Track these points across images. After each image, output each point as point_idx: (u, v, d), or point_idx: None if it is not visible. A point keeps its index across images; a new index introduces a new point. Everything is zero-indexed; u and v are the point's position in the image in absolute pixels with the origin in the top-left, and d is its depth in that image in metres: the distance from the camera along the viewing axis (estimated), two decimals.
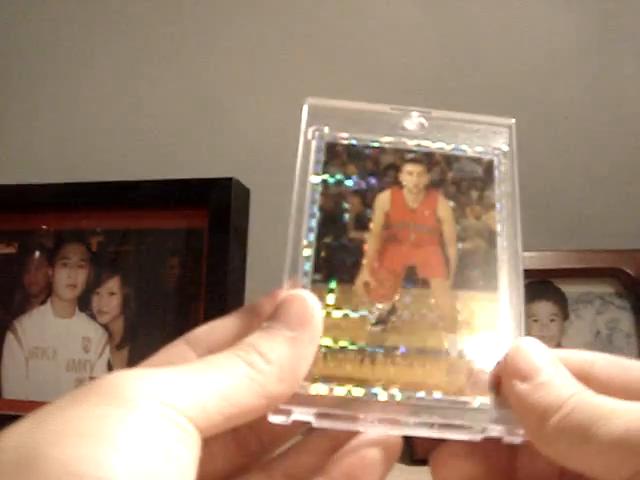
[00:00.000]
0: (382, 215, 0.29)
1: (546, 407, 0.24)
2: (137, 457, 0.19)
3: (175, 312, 0.62)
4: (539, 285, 0.64)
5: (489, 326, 0.28)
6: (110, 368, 0.63)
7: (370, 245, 0.29)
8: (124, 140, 0.82)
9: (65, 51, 0.84)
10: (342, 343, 0.27)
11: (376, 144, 0.31)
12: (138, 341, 0.63)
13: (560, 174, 0.75)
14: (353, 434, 0.26)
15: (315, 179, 0.30)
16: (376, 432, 0.26)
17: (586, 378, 0.25)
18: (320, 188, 0.30)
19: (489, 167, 0.31)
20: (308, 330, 0.25)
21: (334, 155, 0.31)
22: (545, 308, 0.64)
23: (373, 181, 0.30)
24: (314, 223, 0.29)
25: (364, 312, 0.28)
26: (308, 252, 0.29)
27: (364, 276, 0.28)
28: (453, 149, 0.31)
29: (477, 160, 0.31)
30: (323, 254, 0.29)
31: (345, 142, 0.31)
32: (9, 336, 0.66)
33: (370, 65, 0.81)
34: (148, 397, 0.20)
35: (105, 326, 0.64)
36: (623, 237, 0.71)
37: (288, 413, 0.25)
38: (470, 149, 0.31)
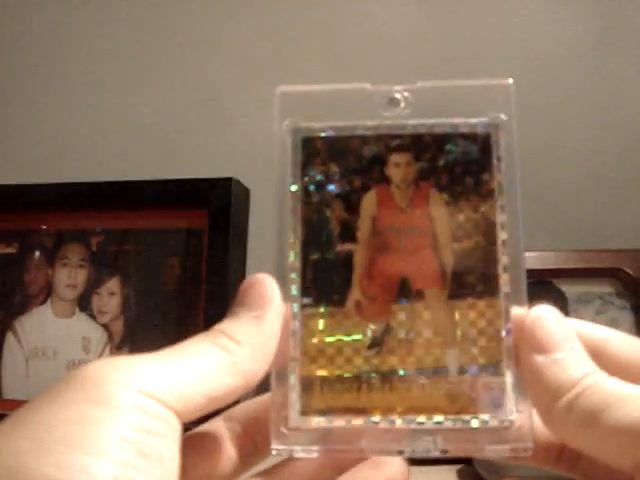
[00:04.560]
0: (369, 220, 0.26)
1: (559, 385, 0.23)
2: (118, 461, 0.19)
3: (175, 312, 0.62)
4: (539, 285, 0.64)
5: (490, 336, 0.25)
6: None
7: (358, 258, 0.26)
8: (124, 140, 0.82)
9: (65, 51, 0.84)
10: (338, 372, 0.26)
11: (357, 132, 0.27)
12: (138, 341, 0.63)
13: (560, 174, 0.75)
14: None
15: (294, 187, 0.27)
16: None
17: (599, 355, 0.25)
18: (300, 196, 0.27)
19: (486, 144, 0.27)
20: (269, 307, 0.25)
21: (312, 153, 0.27)
22: None
23: (357, 180, 0.27)
24: (297, 238, 0.27)
25: (357, 335, 0.26)
26: (293, 274, 0.26)
27: (355, 294, 0.26)
28: (443, 126, 0.27)
29: (472, 137, 0.27)
30: (310, 274, 0.26)
31: (323, 135, 0.27)
32: (9, 336, 0.66)
33: (370, 65, 0.81)
34: (128, 390, 0.21)
35: (105, 326, 0.64)
36: (623, 237, 0.71)
37: (290, 453, 0.25)
38: (463, 123, 0.27)
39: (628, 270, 0.63)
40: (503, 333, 0.25)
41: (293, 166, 0.27)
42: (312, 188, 0.27)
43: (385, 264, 0.26)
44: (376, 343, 0.26)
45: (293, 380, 0.25)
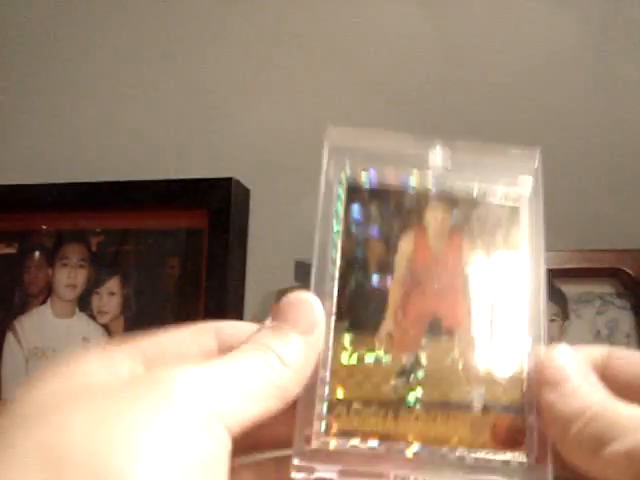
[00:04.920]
0: (405, 261, 0.28)
1: (569, 416, 0.24)
2: (184, 476, 0.20)
3: (175, 312, 0.62)
4: None
5: (514, 380, 0.27)
6: None
7: (393, 293, 0.28)
8: (124, 140, 0.82)
9: (65, 51, 0.84)
10: (365, 396, 0.27)
11: (399, 183, 0.30)
12: None
13: (560, 175, 0.75)
14: None
15: (337, 227, 0.29)
16: None
17: (603, 372, 0.26)
18: (342, 235, 0.29)
19: (514, 207, 0.30)
20: (317, 335, 0.25)
21: (356, 197, 0.30)
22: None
23: (396, 225, 0.29)
24: (336, 270, 0.28)
25: (387, 364, 0.27)
26: (329, 301, 0.28)
27: (388, 326, 0.28)
28: (478, 187, 0.30)
29: (503, 199, 0.30)
30: (345, 302, 0.28)
31: (366, 182, 0.30)
32: (9, 336, 0.66)
33: (370, 65, 0.81)
34: (198, 407, 0.21)
35: (105, 326, 0.64)
36: (623, 237, 0.71)
37: (311, 471, 0.25)
38: (495, 187, 0.30)
39: (628, 270, 0.63)
40: (524, 375, 0.27)
41: (336, 207, 0.29)
42: (354, 229, 0.29)
43: (418, 301, 0.28)
44: (404, 373, 0.27)
45: (320, 400, 0.26)
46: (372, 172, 0.30)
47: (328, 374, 0.26)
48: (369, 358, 0.27)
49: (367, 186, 0.30)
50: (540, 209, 0.30)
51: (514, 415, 0.26)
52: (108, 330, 0.64)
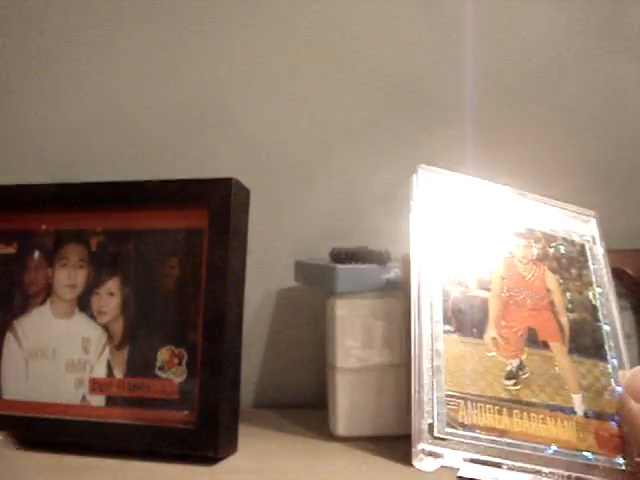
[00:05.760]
0: (499, 279, 0.32)
1: None
2: None
3: (175, 312, 0.62)
4: None
5: (604, 390, 0.30)
6: (110, 368, 0.63)
7: (492, 304, 0.31)
8: (124, 140, 0.82)
9: (65, 51, 0.84)
10: (481, 392, 0.29)
11: (483, 216, 0.34)
12: (138, 341, 0.63)
13: (560, 174, 0.75)
14: None
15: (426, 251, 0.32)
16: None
17: None
18: (442, 257, 0.32)
19: (582, 250, 0.34)
20: None
21: (445, 230, 0.33)
22: None
23: (485, 248, 0.33)
24: (440, 283, 0.31)
25: (496, 366, 0.30)
26: (438, 304, 0.31)
27: (491, 332, 0.31)
28: (550, 229, 0.35)
29: (571, 242, 0.35)
30: (451, 308, 0.31)
31: (455, 214, 0.34)
32: (9, 336, 0.66)
33: (369, 65, 0.81)
34: None
35: (105, 326, 0.64)
36: (623, 237, 0.71)
37: (438, 456, 0.27)
38: (564, 231, 0.35)
39: (628, 270, 0.63)
40: (617, 389, 0.31)
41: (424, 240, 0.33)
42: (451, 249, 0.33)
43: (515, 314, 0.32)
44: (513, 376, 0.30)
45: (439, 393, 0.28)
46: (458, 204, 0.34)
47: (443, 371, 0.29)
48: (479, 359, 0.30)
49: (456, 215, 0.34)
50: (603, 251, 0.36)
51: (611, 423, 0.30)
52: (108, 330, 0.64)
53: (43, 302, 0.66)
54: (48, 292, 0.66)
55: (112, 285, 0.65)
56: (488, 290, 0.31)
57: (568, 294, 0.32)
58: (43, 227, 0.67)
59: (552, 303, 0.32)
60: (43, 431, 0.61)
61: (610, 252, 0.64)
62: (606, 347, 0.31)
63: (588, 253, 0.34)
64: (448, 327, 0.30)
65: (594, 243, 0.35)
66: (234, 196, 0.61)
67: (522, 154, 0.76)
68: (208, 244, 0.61)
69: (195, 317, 0.61)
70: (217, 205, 0.61)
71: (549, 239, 0.34)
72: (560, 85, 0.78)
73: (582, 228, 0.35)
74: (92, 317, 0.64)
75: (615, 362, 0.31)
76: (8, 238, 0.68)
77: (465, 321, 0.30)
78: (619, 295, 0.64)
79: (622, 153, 0.76)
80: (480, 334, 0.30)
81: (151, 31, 0.83)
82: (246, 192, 0.64)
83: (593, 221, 0.36)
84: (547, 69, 0.79)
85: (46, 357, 0.64)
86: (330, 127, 0.82)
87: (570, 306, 0.32)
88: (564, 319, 0.32)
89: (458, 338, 0.30)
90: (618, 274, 0.63)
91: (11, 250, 0.68)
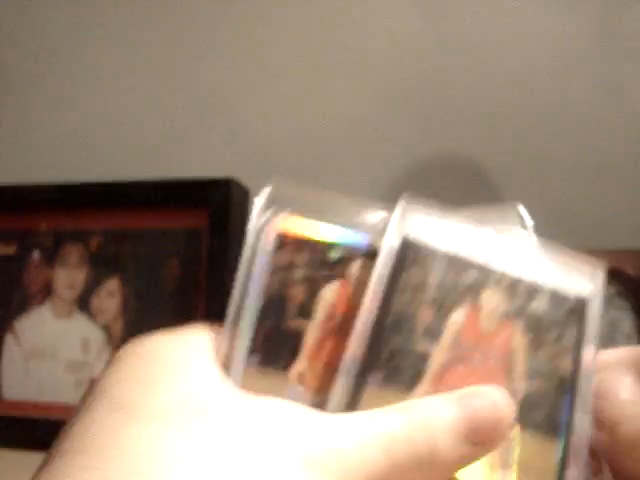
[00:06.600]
0: (454, 333, 0.29)
1: (617, 419, 0.27)
2: None
3: (175, 312, 0.62)
4: None
5: (544, 470, 0.27)
6: None
7: (434, 361, 0.28)
8: (124, 140, 0.82)
9: (65, 50, 0.84)
10: None
11: (462, 260, 0.29)
12: None
13: (560, 174, 0.75)
14: None
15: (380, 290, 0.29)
16: None
17: None
18: (392, 299, 0.29)
19: (572, 312, 0.29)
20: None
21: (412, 266, 0.29)
22: None
23: (451, 297, 0.29)
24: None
25: None
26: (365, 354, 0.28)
27: (425, 387, 0.28)
28: (539, 283, 0.29)
29: (560, 301, 0.29)
30: (381, 358, 0.28)
31: (430, 258, 0.29)
32: (8, 337, 0.66)
33: (369, 65, 0.81)
34: None
35: (104, 327, 0.64)
36: (623, 237, 0.71)
37: None
38: (555, 287, 0.29)
39: (628, 270, 0.63)
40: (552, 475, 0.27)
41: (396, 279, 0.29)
42: (407, 295, 0.29)
43: (456, 372, 0.28)
44: None
45: None
46: (437, 244, 0.29)
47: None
48: None
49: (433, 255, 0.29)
50: (598, 313, 0.29)
51: None
52: (107, 331, 0.64)
53: (43, 302, 0.66)
54: (48, 292, 0.66)
55: (112, 285, 0.65)
56: (436, 344, 0.28)
57: (535, 359, 0.28)
58: (43, 227, 0.67)
59: (510, 366, 0.28)
60: (43, 431, 0.61)
61: (610, 252, 0.65)
62: (563, 427, 0.28)
63: (578, 317, 0.29)
64: (387, 384, 0.28)
65: (589, 303, 0.29)
66: (234, 196, 0.61)
67: (522, 154, 0.76)
68: (208, 244, 0.61)
69: (195, 317, 0.61)
70: (217, 205, 0.61)
71: (532, 294, 0.29)
72: (560, 85, 0.78)
73: (581, 281, 0.30)
74: (92, 317, 0.64)
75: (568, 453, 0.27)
76: (8, 238, 0.68)
77: (400, 377, 0.28)
78: (619, 295, 0.64)
79: (622, 152, 0.76)
80: (409, 389, 0.28)
81: (151, 30, 0.83)
82: (246, 192, 0.64)
83: (599, 273, 0.30)
84: (547, 69, 0.79)
85: (46, 357, 0.64)
86: (331, 127, 0.82)
87: (532, 373, 0.28)
88: (519, 385, 0.28)
89: (383, 393, 0.28)
90: (618, 274, 0.63)
91: (11, 250, 0.68)
